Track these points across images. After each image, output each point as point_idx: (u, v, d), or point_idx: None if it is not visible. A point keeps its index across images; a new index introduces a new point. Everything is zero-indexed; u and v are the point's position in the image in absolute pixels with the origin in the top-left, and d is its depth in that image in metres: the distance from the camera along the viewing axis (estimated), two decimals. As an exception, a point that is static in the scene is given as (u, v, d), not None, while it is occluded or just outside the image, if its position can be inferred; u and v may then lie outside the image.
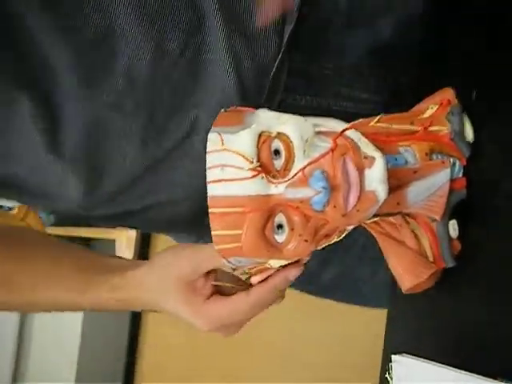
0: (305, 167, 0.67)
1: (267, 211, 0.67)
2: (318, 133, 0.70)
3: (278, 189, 0.66)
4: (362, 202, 0.68)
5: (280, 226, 0.68)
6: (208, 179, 0.66)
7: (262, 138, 0.68)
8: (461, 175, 0.78)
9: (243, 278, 0.78)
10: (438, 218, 0.76)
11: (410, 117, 0.79)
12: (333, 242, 0.73)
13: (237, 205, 0.66)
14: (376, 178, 0.68)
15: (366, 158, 0.68)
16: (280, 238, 0.68)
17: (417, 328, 0.84)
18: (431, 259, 0.78)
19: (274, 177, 0.68)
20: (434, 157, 0.77)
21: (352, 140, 0.69)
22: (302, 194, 0.66)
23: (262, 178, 0.66)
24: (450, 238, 0.78)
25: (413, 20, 0.90)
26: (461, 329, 0.76)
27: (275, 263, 0.73)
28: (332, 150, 0.68)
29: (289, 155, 0.68)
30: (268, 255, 0.69)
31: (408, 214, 0.78)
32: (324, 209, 0.67)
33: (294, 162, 0.68)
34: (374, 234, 0.80)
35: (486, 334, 0.72)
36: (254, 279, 0.76)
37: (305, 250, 0.69)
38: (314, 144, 0.68)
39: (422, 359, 0.74)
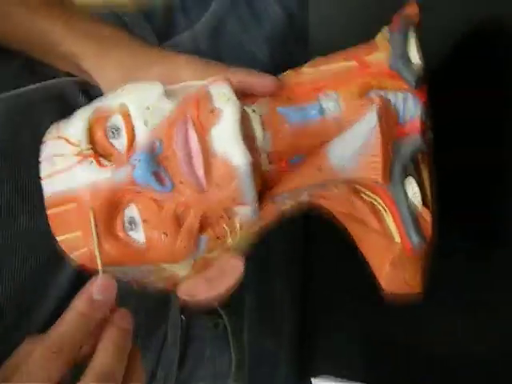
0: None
1: (108, 203, 0.54)
2: (174, 92, 0.55)
3: (107, 172, 0.53)
4: (214, 172, 0.51)
5: (132, 221, 0.54)
6: (41, 175, 0.56)
7: (97, 115, 0.55)
8: (418, 115, 0.55)
9: None
10: (379, 179, 0.54)
11: (347, 52, 0.59)
12: (231, 241, 0.56)
13: (69, 200, 0.54)
14: (224, 136, 0.51)
15: (212, 111, 0.51)
16: (137, 235, 0.54)
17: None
18: (397, 238, 0.56)
19: (114, 160, 0.54)
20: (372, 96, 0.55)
21: (205, 92, 0.53)
22: (124, 173, 0.52)
23: (91, 162, 0.54)
24: (413, 204, 0.55)
25: None
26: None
27: (175, 268, 0.58)
28: (174, 113, 0.53)
29: (130, 131, 0.54)
30: (131, 260, 0.55)
31: (352, 181, 0.57)
32: (171, 188, 0.52)
33: (136, 137, 0.54)
34: (337, 216, 0.60)
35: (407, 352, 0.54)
36: (179, 292, 0.61)
37: (170, 247, 0.54)
38: (159, 109, 0.54)
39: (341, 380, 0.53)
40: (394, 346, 0.63)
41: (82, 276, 0.64)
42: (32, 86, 0.65)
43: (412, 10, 0.56)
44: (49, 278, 0.64)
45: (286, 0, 0.80)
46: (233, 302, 0.71)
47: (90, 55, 0.65)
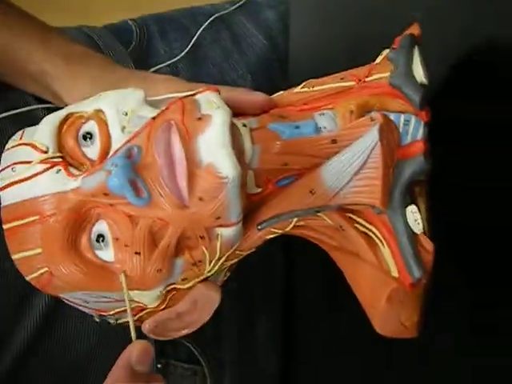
0: (118, 149, 0.47)
1: (74, 216, 0.47)
2: (156, 102, 0.50)
3: (76, 182, 0.47)
4: (198, 184, 0.45)
5: (101, 238, 0.48)
6: None
7: (70, 121, 0.50)
8: (421, 136, 0.50)
9: None
10: (377, 204, 0.49)
11: (344, 73, 0.55)
12: (209, 269, 0.50)
13: (30, 212, 0.48)
14: (212, 144, 0.45)
15: (200, 119, 0.46)
16: (105, 255, 0.48)
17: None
18: (394, 272, 0.50)
19: (84, 169, 0.49)
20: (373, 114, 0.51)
21: (192, 100, 0.48)
22: (95, 181, 0.46)
23: (59, 171, 0.48)
24: (413, 234, 0.50)
25: None
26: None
27: (144, 298, 0.51)
28: (155, 118, 0.48)
29: (105, 137, 0.49)
30: (96, 284, 0.49)
31: (346, 208, 0.52)
32: (148, 201, 0.46)
33: (111, 144, 0.48)
34: (325, 249, 0.55)
35: None
36: (144, 327, 0.54)
37: (142, 270, 0.47)
38: (139, 116, 0.49)
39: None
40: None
41: (53, 315, 0.58)
42: (2, 115, 0.61)
43: (415, 30, 0.53)
44: (18, 318, 0.59)
45: (268, 28, 0.78)
46: (212, 348, 0.65)
47: (61, 73, 0.61)
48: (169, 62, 0.72)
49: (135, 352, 0.46)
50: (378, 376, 0.63)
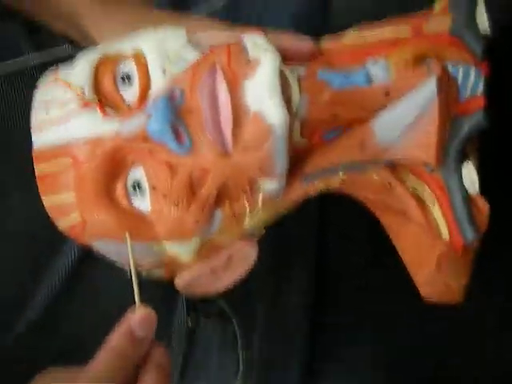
0: (159, 92, 0.45)
1: (109, 161, 0.45)
2: (197, 43, 0.47)
3: (113, 124, 0.45)
4: (244, 132, 0.43)
5: (137, 185, 0.46)
6: (31, 126, 0.47)
7: (107, 62, 0.47)
8: (480, 92, 0.47)
9: None
10: (431, 159, 0.46)
11: (397, 18, 0.51)
12: (248, 222, 0.48)
13: (63, 154, 0.46)
14: (260, 89, 0.42)
15: (248, 62, 0.43)
16: (141, 203, 0.46)
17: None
18: (445, 233, 0.48)
19: (122, 113, 0.46)
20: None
21: (238, 42, 0.45)
22: (134, 125, 0.43)
23: (95, 111, 0.45)
24: (467, 194, 0.47)
25: None
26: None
27: (179, 250, 0.49)
28: (199, 61, 0.45)
29: (145, 79, 0.46)
30: (130, 233, 0.46)
31: (395, 163, 0.49)
32: (190, 148, 0.44)
33: (151, 87, 0.46)
34: (370, 207, 0.52)
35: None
36: (177, 282, 0.52)
37: (179, 220, 0.45)
38: (181, 58, 0.46)
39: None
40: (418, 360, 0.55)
41: (83, 260, 0.57)
42: (30, 57, 0.59)
43: None
44: (47, 260, 0.57)
45: None
46: (244, 305, 0.64)
47: (93, 12, 0.58)
48: (208, 11, 0.69)
49: (137, 316, 0.45)
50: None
